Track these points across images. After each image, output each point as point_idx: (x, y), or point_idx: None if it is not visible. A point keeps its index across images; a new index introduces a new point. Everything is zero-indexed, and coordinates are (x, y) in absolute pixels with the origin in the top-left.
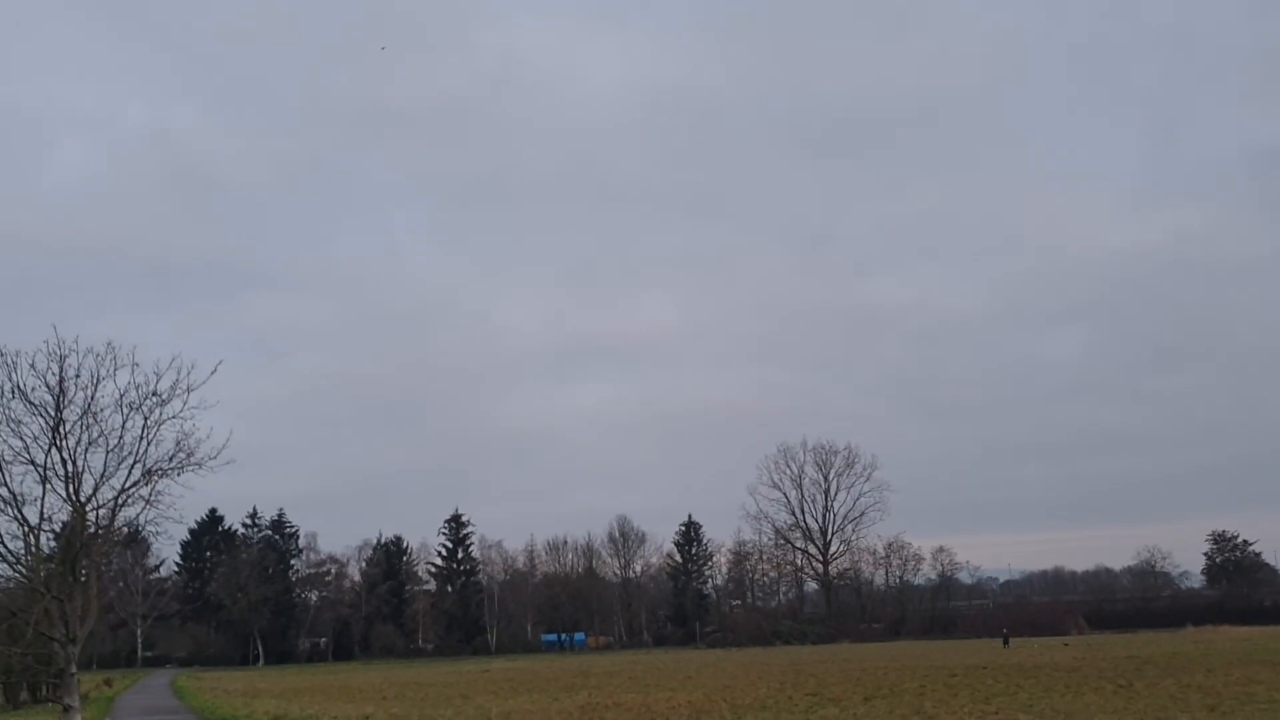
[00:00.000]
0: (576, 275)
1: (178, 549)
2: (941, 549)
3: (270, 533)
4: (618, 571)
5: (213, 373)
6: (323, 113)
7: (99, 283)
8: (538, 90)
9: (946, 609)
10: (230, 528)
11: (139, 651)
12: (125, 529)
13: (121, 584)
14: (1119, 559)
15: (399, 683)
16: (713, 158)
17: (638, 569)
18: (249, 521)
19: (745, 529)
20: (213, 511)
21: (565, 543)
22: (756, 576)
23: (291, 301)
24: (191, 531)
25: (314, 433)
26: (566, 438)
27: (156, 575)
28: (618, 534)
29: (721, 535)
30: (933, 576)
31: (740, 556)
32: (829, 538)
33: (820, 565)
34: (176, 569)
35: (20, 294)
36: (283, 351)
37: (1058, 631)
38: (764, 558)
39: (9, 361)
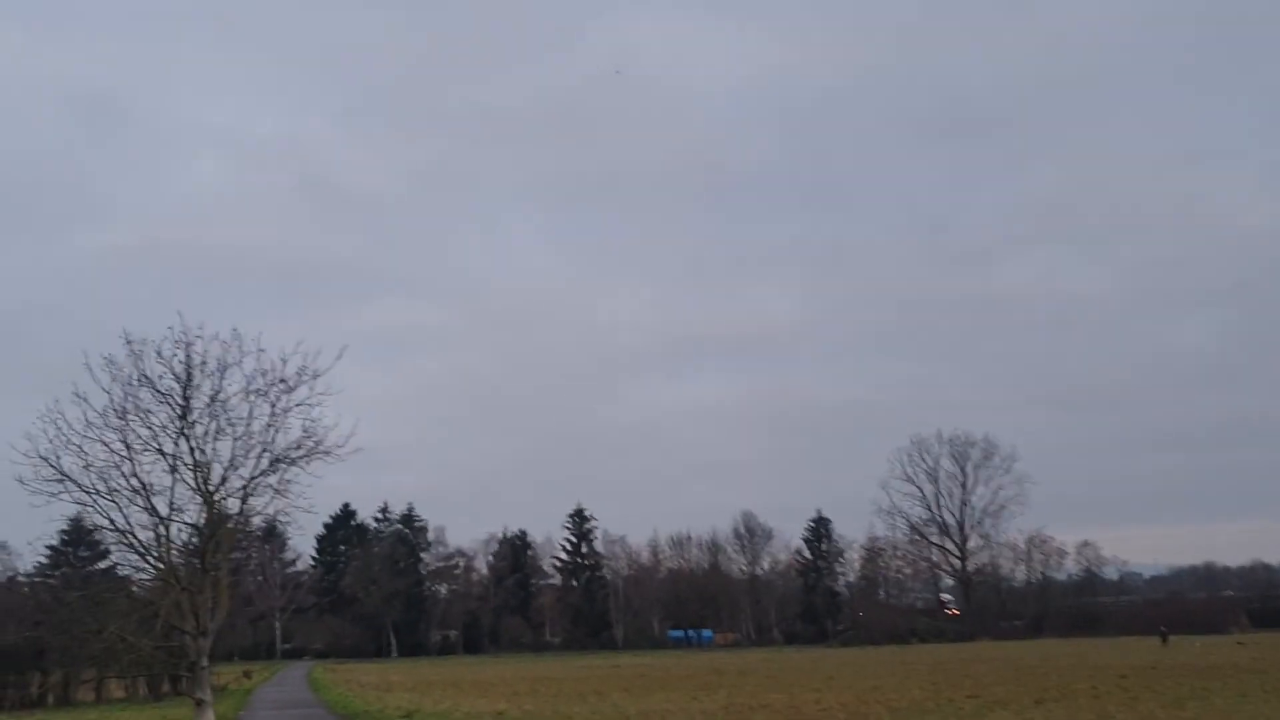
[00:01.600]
0: (689, 270)
1: (313, 543)
2: (1086, 543)
3: (400, 526)
4: (744, 568)
5: (338, 358)
6: (441, 119)
7: (231, 288)
8: (649, 88)
9: (1092, 606)
10: (362, 521)
11: (278, 644)
12: (256, 519)
13: (260, 577)
14: (1278, 553)
15: (529, 677)
16: (827, 147)
17: (765, 565)
18: (380, 515)
19: (878, 524)
20: (345, 505)
21: (689, 538)
22: (890, 573)
23: (413, 304)
24: (325, 525)
25: (438, 430)
26: (684, 433)
27: (293, 569)
28: (743, 530)
29: (852, 531)
30: (1076, 572)
31: (873, 553)
32: (966, 532)
33: (958, 561)
34: (312, 562)
35: (158, 299)
36: (405, 353)
37: (1216, 630)
38: (898, 554)
39: (136, 350)
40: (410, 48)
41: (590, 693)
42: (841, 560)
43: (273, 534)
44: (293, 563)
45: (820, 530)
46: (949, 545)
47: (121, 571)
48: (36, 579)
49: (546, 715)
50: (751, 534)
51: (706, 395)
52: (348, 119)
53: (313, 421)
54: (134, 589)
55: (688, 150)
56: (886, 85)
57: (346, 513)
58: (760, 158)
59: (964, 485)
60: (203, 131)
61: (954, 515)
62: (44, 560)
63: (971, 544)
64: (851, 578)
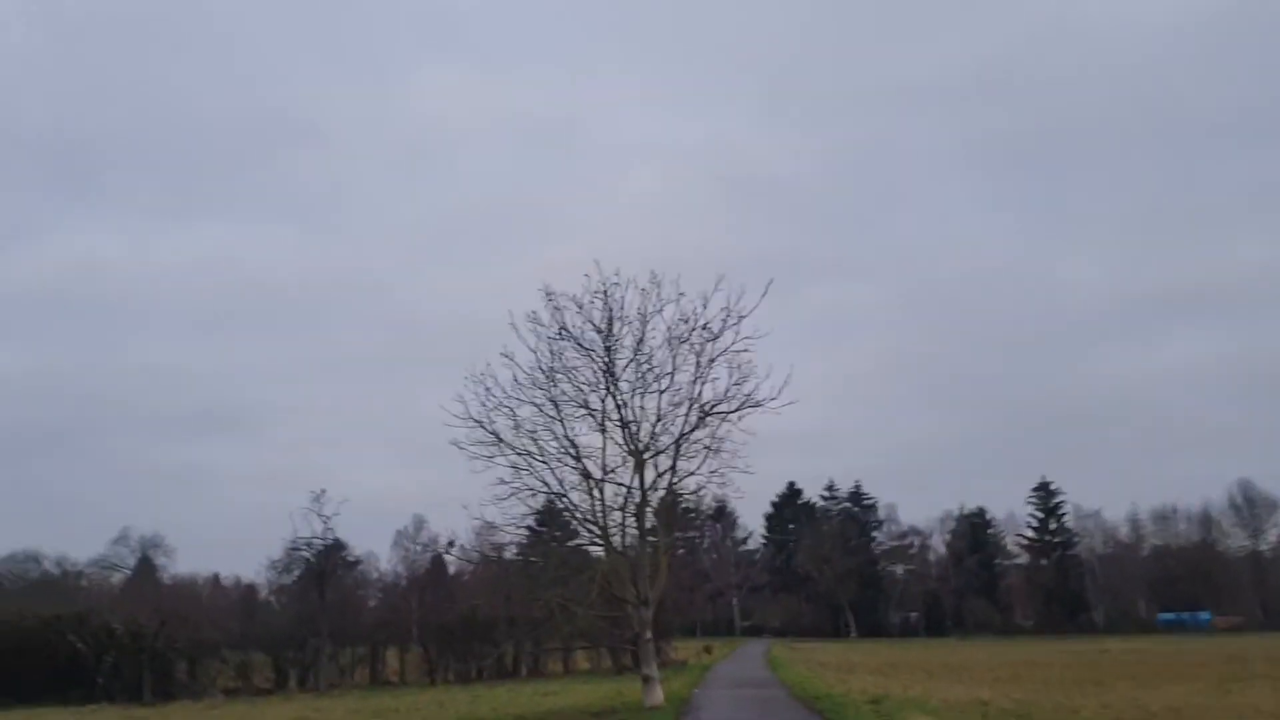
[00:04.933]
0: (1146, 222)
1: (762, 522)
2: None
3: (849, 504)
4: (1243, 542)
5: (763, 295)
6: (863, 98)
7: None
8: (1085, 36)
9: None
10: (809, 501)
11: (736, 620)
12: (700, 489)
13: (715, 555)
14: None
15: (1005, 662)
16: None
17: (1271, 538)
18: (826, 494)
19: None
20: (791, 484)
21: (1175, 511)
22: None
23: (847, 287)
24: (773, 504)
25: (881, 409)
26: (1160, 398)
27: (745, 548)
28: (1240, 500)
29: None
30: None
31: None
32: None
33: None
34: (763, 541)
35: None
36: (844, 335)
37: None
38: None
39: (558, 304)
40: (824, 29)
41: (1086, 681)
42: None
43: (723, 513)
44: (744, 541)
45: None
46: None
47: (571, 543)
48: (515, 558)
49: (1045, 708)
50: (1251, 504)
51: (1182, 356)
52: (766, 111)
53: (739, 369)
54: (579, 557)
55: (1136, 98)
56: None
57: (793, 491)
58: (1222, 97)
59: None
60: (636, 146)
61: None
62: (524, 541)
63: None
64: None
